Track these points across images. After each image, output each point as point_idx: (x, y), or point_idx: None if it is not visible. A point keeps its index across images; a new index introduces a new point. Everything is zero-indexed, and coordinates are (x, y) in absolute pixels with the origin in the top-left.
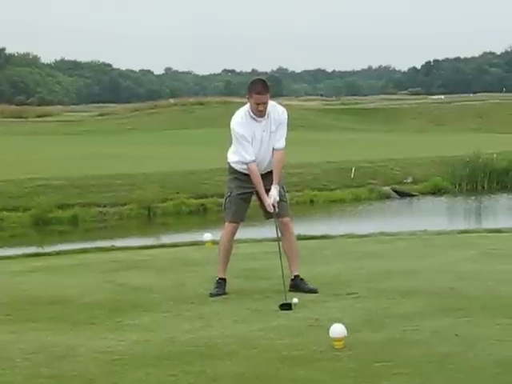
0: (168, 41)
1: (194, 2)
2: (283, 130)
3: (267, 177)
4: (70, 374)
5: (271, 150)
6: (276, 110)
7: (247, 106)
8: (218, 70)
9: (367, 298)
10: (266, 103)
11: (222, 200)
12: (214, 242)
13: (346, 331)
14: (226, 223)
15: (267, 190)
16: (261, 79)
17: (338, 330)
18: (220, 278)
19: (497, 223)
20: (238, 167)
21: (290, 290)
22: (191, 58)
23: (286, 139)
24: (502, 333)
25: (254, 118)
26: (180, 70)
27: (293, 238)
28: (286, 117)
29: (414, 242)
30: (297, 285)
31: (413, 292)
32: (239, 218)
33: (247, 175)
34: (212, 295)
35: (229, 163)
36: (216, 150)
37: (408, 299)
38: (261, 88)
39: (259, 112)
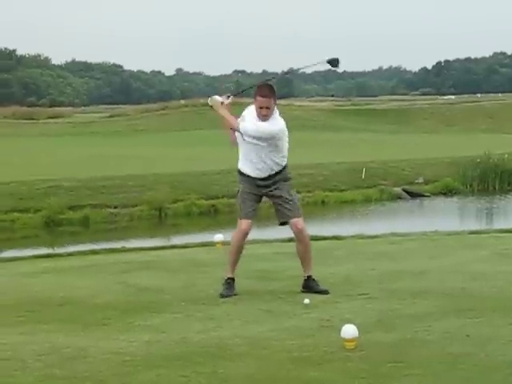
0: (179, 42)
1: (205, 3)
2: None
3: (268, 179)
4: (81, 375)
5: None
6: (274, 117)
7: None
8: (229, 71)
9: (378, 299)
10: (269, 108)
11: (233, 201)
12: (225, 243)
13: (357, 332)
14: (239, 220)
15: (272, 195)
16: (268, 84)
17: (349, 330)
18: (229, 278)
19: (508, 224)
20: (243, 170)
21: (301, 291)
22: (202, 58)
23: (289, 147)
24: None
25: (257, 118)
26: (191, 71)
27: (306, 240)
28: (276, 131)
29: (424, 243)
30: (309, 285)
31: (424, 292)
32: (245, 214)
33: (253, 178)
34: (222, 296)
35: (238, 170)
36: (226, 151)
37: (419, 300)
38: (266, 92)
39: (263, 116)
